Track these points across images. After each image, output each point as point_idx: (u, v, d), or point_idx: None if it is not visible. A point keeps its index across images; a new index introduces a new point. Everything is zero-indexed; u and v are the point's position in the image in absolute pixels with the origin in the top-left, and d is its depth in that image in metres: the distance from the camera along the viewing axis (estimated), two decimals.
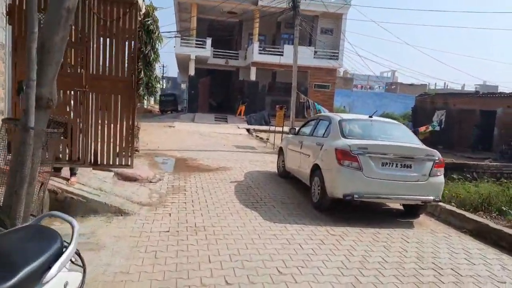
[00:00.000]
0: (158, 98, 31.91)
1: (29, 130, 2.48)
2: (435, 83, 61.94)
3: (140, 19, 9.12)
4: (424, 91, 35.16)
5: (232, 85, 30.85)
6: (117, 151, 4.86)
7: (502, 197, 6.29)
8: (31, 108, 2.49)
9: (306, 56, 23.07)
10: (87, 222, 4.34)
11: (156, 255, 3.55)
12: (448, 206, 5.84)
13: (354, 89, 52.84)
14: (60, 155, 4.61)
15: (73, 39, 4.58)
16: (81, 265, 1.94)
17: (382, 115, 40.28)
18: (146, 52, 8.92)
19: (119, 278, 3.06)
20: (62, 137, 4.48)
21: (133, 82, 4.71)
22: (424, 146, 5.47)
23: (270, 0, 19.66)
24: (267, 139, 14.56)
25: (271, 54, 24.45)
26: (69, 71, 4.66)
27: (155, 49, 9.20)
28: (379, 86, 60.38)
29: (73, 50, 4.61)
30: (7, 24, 4.26)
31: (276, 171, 8.42)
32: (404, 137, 5.68)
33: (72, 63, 4.64)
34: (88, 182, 5.12)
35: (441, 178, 5.36)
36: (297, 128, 7.70)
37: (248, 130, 20.11)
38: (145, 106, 46.88)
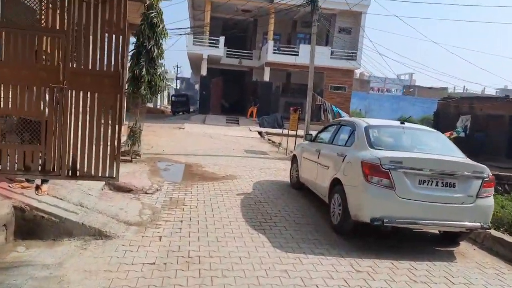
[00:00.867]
0: (170, 98, 31.46)
1: None
2: (454, 87, 59.92)
3: (143, 11, 8.44)
4: (448, 95, 33.63)
5: (245, 86, 30.08)
6: (101, 160, 4.07)
7: None
8: None
9: (322, 56, 22.09)
10: (57, 247, 3.57)
11: None
12: (494, 232, 4.86)
13: (371, 92, 51.45)
14: (31, 164, 3.87)
15: (49, 25, 3.83)
16: None
17: (400, 119, 38.94)
18: (149, 47, 8.19)
19: None
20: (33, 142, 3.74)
21: (121, 77, 3.92)
22: (470, 161, 4.52)
23: None
24: (280, 143, 13.69)
25: (286, 54, 23.55)
26: (44, 63, 3.91)
27: (159, 45, 8.46)
28: (396, 89, 58.72)
29: (49, 38, 3.86)
30: None
31: (289, 181, 7.55)
32: (444, 149, 4.74)
33: (48, 54, 3.87)
34: (67, 196, 4.36)
35: (490, 200, 4.41)
36: (313, 134, 6.82)
37: (260, 133, 19.28)
38: (158, 107, 46.76)
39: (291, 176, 7.43)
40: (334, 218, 4.76)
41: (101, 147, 4.03)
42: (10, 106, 3.79)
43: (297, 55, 22.87)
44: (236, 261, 3.59)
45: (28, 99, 3.79)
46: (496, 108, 17.85)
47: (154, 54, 8.28)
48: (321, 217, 5.32)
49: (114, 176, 4.12)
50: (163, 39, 8.49)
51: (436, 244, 4.70)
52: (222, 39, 23.30)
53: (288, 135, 12.99)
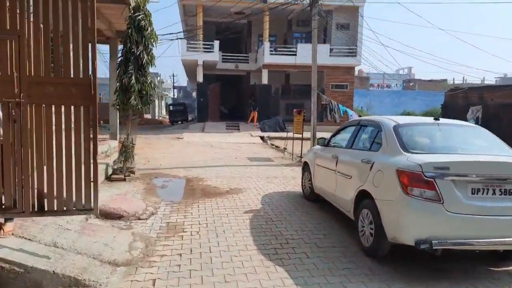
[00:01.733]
0: (167, 108, 30.71)
1: None
2: (453, 78, 59.20)
3: (129, 14, 7.68)
4: (455, 86, 32.84)
5: (243, 91, 29.33)
6: (74, 189, 3.26)
7: None
8: None
9: (321, 55, 21.21)
10: None
11: None
12: None
13: (371, 88, 50.72)
14: None
15: None
16: None
17: (403, 114, 38.18)
18: (138, 53, 7.42)
19: None
20: None
21: (93, 85, 3.12)
22: None
23: None
24: (285, 148, 12.88)
25: (283, 54, 22.82)
26: None
27: (149, 50, 7.69)
28: (396, 84, 57.98)
29: None
30: None
31: (301, 191, 6.74)
32: (493, 147, 3.93)
33: None
34: (39, 235, 3.55)
35: None
36: (326, 137, 6.02)
37: (262, 138, 18.49)
38: (156, 117, 46.01)
39: (303, 186, 6.61)
40: (364, 239, 3.94)
41: (74, 173, 3.23)
42: None
43: (295, 54, 22.12)
44: None
45: None
46: (508, 97, 17.03)
47: (144, 60, 7.51)
48: (347, 235, 4.49)
49: (92, 207, 3.31)
50: (153, 43, 7.73)
51: (490, 264, 3.87)
52: (216, 43, 22.59)
53: (293, 138, 12.20)
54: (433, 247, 3.21)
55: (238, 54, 25.69)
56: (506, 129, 16.89)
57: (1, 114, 3.09)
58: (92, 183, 3.25)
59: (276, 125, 21.22)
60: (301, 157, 11.40)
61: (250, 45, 26.41)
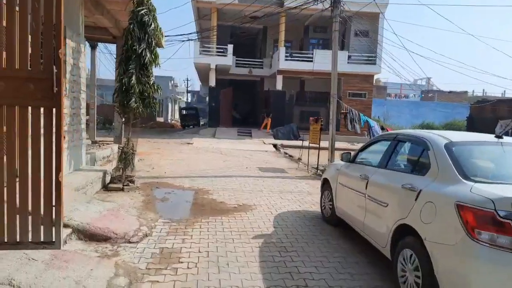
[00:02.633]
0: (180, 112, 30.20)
1: None
2: (473, 90, 57.35)
3: (132, 9, 7.01)
4: (483, 98, 31.49)
5: (256, 96, 28.64)
6: (30, 216, 2.49)
7: None
8: None
9: (339, 62, 20.37)
10: None
11: None
12: None
13: (388, 98, 49.47)
14: None
15: None
16: None
17: (422, 126, 36.86)
18: (140, 51, 6.73)
19: None
20: None
21: (57, 81, 2.37)
22: None
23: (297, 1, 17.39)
24: (300, 158, 12.01)
25: (299, 60, 22.03)
26: None
27: (152, 48, 7.00)
28: (414, 95, 56.49)
29: None
30: None
31: (320, 211, 5.89)
32: None
33: None
34: None
35: None
36: (351, 151, 5.16)
37: (275, 146, 17.66)
38: (169, 121, 45.58)
39: (322, 205, 5.75)
40: None
41: (30, 195, 2.47)
42: None
43: (312, 61, 21.30)
44: None
45: None
46: None
47: (146, 59, 6.82)
48: (381, 278, 3.61)
49: (53, 240, 2.53)
50: (159, 40, 7.04)
51: None
52: (230, 47, 21.96)
53: (308, 148, 11.33)
54: None
55: (252, 59, 25.03)
56: None
57: None
58: (54, 208, 2.47)
59: (290, 133, 20.38)
60: (317, 169, 10.53)
61: (265, 50, 25.74)
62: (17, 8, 2.32)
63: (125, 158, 7.06)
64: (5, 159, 2.39)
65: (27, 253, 3.19)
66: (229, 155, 13.45)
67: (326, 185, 5.67)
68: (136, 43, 6.75)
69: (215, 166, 10.60)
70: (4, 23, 2.35)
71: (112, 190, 6.79)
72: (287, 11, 19.53)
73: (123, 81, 6.73)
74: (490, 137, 3.47)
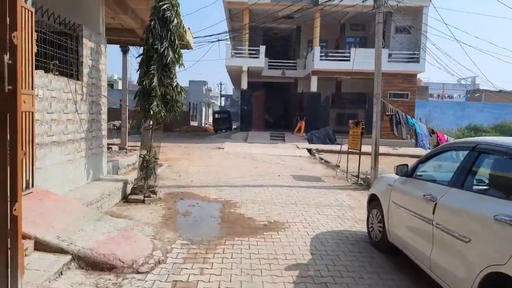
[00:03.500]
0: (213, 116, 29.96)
1: None
2: None
3: (154, 4, 6.44)
4: None
5: (290, 99, 27.72)
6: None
7: None
8: None
9: None
10: None
11: None
12: None
13: (430, 99, 46.63)
14: None
15: None
16: None
17: (469, 128, 34.14)
18: (162, 50, 6.14)
19: None
20: None
21: (9, 75, 1.69)
22: None
23: None
24: (338, 165, 10.99)
25: (335, 59, 20.89)
26: None
27: (175, 46, 6.39)
28: (459, 95, 52.97)
29: None
30: None
31: (365, 231, 4.95)
32: None
33: None
34: None
35: None
36: (408, 163, 4.20)
37: (309, 150, 16.68)
38: (203, 125, 45.74)
39: (369, 226, 4.80)
40: None
41: None
42: None
43: (349, 60, 20.09)
44: None
45: None
46: None
47: (169, 59, 6.22)
48: None
49: None
50: (182, 36, 6.43)
51: None
52: (262, 48, 21.26)
53: (347, 153, 10.31)
54: None
55: (285, 60, 24.19)
56: None
57: None
58: (8, 253, 1.78)
59: (325, 136, 19.29)
60: (358, 177, 9.48)
61: (299, 51, 24.81)
62: None
63: (147, 167, 6.48)
64: None
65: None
66: (261, 161, 12.69)
67: (374, 202, 4.72)
68: (158, 41, 6.18)
69: (245, 174, 9.86)
70: None
71: (132, 202, 6.24)
72: (322, 9, 18.54)
73: (144, 83, 6.17)
74: None
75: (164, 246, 4.23)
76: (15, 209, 1.75)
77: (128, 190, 6.58)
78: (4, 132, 1.68)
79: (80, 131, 5.81)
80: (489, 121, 37.44)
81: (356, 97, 21.96)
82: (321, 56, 20.53)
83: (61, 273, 3.24)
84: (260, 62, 21.25)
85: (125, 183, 6.57)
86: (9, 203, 1.73)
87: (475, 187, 2.94)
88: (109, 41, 11.38)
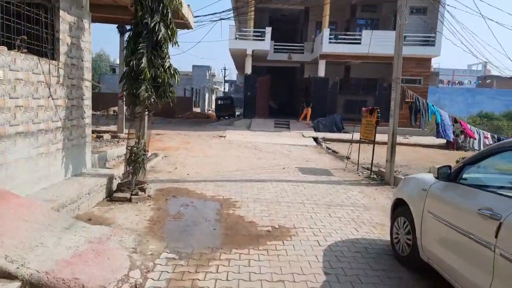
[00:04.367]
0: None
1: None
2: None
3: None
4: None
5: (296, 84, 26.68)
6: None
7: None
8: None
9: (391, 43, 17.93)
10: None
11: None
12: None
13: (440, 85, 45.21)
14: None
15: None
16: None
17: (481, 115, 32.96)
18: (152, 25, 5.27)
19: None
20: None
21: None
22: None
23: None
24: (348, 157, 10.14)
25: (345, 42, 19.76)
26: None
27: (169, 21, 5.52)
28: (469, 81, 51.36)
29: None
30: None
31: (386, 239, 4.18)
32: None
33: None
34: None
35: None
36: (450, 164, 3.36)
37: (315, 139, 15.84)
38: (206, 111, 44.72)
39: (394, 238, 4.00)
40: None
41: None
42: None
43: (359, 43, 19.00)
44: None
45: None
46: None
47: (160, 35, 5.36)
48: None
49: None
50: (177, 10, 5.55)
51: None
52: (268, 30, 20.14)
53: (359, 143, 9.46)
54: None
55: (292, 44, 23.06)
56: None
57: None
58: None
59: (333, 124, 18.40)
60: (371, 170, 8.66)
61: (306, 34, 23.65)
62: None
63: (135, 160, 5.70)
64: None
65: None
66: (264, 151, 11.88)
67: (401, 208, 3.91)
68: (148, 15, 5.31)
69: (247, 166, 9.07)
70: None
71: (117, 200, 5.48)
72: None
73: (131, 64, 5.33)
74: None
75: (146, 262, 3.47)
76: None
77: (115, 187, 5.83)
78: None
79: (55, 120, 5.01)
80: (500, 108, 36.25)
81: (365, 82, 20.91)
82: (330, 38, 19.41)
83: None
84: (266, 45, 20.19)
85: (111, 178, 5.80)
86: None
87: None
88: (101, 20, 10.46)
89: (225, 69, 63.32)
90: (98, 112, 20.85)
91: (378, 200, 6.49)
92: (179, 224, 4.71)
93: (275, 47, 22.17)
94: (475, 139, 9.53)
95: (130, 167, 5.75)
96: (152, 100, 5.51)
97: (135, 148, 5.73)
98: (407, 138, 17.11)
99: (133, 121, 5.78)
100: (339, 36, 20.42)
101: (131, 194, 5.60)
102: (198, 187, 6.67)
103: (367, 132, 8.90)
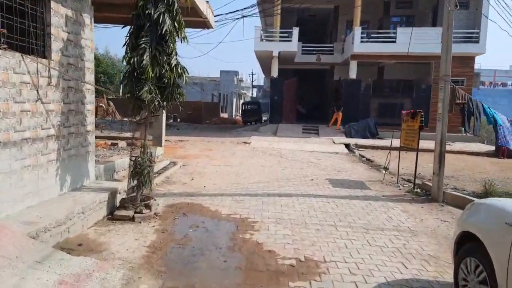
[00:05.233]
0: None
1: None
2: None
3: None
4: None
5: (325, 88, 25.51)
6: None
7: None
8: None
9: (428, 41, 16.58)
10: None
11: None
12: None
13: (481, 87, 42.23)
14: None
15: None
16: None
17: None
18: (155, 16, 4.54)
19: None
20: None
21: None
22: None
23: None
24: (386, 168, 8.97)
25: (378, 41, 18.44)
26: None
27: (175, 12, 4.77)
28: None
29: None
30: None
31: (445, 280, 3.12)
32: None
33: None
34: None
35: None
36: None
37: (347, 146, 14.66)
38: (233, 116, 44.20)
39: (461, 286, 2.95)
40: None
41: None
42: None
43: (394, 41, 17.65)
44: None
45: None
46: None
47: (165, 28, 4.62)
48: None
49: None
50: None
51: None
52: (295, 30, 19.20)
53: (400, 149, 8.30)
54: None
55: (321, 45, 21.98)
56: None
57: None
58: None
59: (366, 130, 17.11)
60: (414, 183, 7.49)
61: (336, 34, 22.49)
62: None
63: (140, 173, 4.97)
64: None
65: None
66: (291, 159, 10.93)
67: (471, 246, 2.87)
68: (151, 4, 4.59)
69: (271, 177, 8.17)
70: None
71: (118, 219, 4.76)
72: None
73: (132, 62, 4.62)
74: None
75: None
76: None
77: (117, 203, 5.12)
78: None
79: (46, 127, 4.37)
80: None
81: (401, 84, 19.43)
82: (362, 37, 18.17)
83: None
84: (293, 46, 19.25)
85: (113, 193, 5.11)
86: None
87: None
88: (107, 20, 9.89)
89: (252, 74, 63.05)
90: (125, 119, 20.73)
91: (427, 222, 5.38)
92: (183, 252, 3.88)
93: (303, 48, 21.19)
94: None
95: (135, 181, 5.02)
96: (156, 103, 4.77)
97: (139, 159, 5.00)
98: (450, 144, 15.52)
99: (138, 128, 5.07)
100: (372, 35, 19.13)
101: (135, 212, 4.87)
102: (214, 202, 5.85)
103: (408, 138, 7.76)
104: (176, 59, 4.86)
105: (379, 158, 12.04)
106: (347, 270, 3.57)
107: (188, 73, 5.01)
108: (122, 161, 6.75)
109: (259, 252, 3.96)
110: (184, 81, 4.95)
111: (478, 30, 17.30)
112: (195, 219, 5.02)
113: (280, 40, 19.55)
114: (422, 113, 7.21)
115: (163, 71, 4.71)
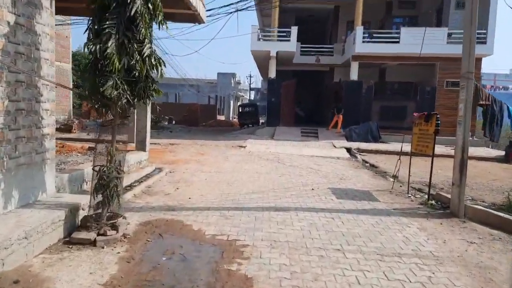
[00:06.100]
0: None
1: None
2: None
3: None
4: None
5: (325, 90, 24.70)
6: None
7: None
8: None
9: (434, 41, 15.80)
10: None
11: None
12: None
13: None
14: None
15: None
16: None
17: None
18: None
19: None
20: None
21: None
22: None
23: None
24: (396, 176, 8.07)
25: (380, 41, 17.65)
26: None
27: None
28: None
29: None
30: None
31: None
32: None
33: None
34: None
35: None
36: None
37: (349, 150, 13.81)
38: (230, 118, 43.35)
39: None
40: None
41: None
42: None
43: (398, 42, 16.86)
44: None
45: None
46: None
47: (135, 8, 3.74)
48: None
49: None
50: None
51: None
52: (294, 30, 18.38)
53: (410, 156, 7.43)
54: None
55: (320, 45, 21.19)
56: None
57: None
58: None
59: (368, 133, 16.27)
60: (428, 194, 6.63)
61: (336, 34, 21.71)
62: None
63: (106, 185, 4.07)
64: None
65: None
66: (289, 165, 10.05)
67: None
68: None
69: (267, 186, 7.29)
70: None
71: (76, 243, 3.86)
72: None
73: (93, 50, 3.74)
74: None
75: None
76: None
77: (78, 222, 4.23)
78: None
79: None
80: None
81: (404, 86, 18.67)
82: (363, 37, 17.37)
83: None
84: (291, 46, 18.42)
85: (74, 209, 4.21)
86: None
87: None
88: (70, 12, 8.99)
89: (250, 76, 62.19)
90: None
91: (451, 244, 4.51)
92: None
93: (302, 49, 20.38)
94: None
95: (98, 195, 4.13)
96: (125, 100, 3.88)
97: (105, 169, 4.11)
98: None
99: (102, 131, 4.18)
100: (374, 35, 18.34)
101: (98, 234, 3.97)
102: (198, 218, 4.97)
103: (421, 143, 6.90)
104: (150, 47, 3.98)
105: (383, 163, 11.19)
106: None
107: (165, 65, 4.14)
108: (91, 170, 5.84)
109: None
110: (159, 75, 4.07)
111: (485, 31, 16.53)
112: (172, 242, 4.13)
113: (278, 40, 18.74)
114: (438, 116, 6.34)
115: (133, 62, 3.83)
